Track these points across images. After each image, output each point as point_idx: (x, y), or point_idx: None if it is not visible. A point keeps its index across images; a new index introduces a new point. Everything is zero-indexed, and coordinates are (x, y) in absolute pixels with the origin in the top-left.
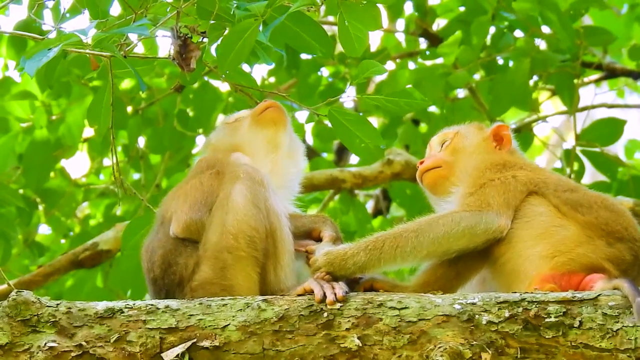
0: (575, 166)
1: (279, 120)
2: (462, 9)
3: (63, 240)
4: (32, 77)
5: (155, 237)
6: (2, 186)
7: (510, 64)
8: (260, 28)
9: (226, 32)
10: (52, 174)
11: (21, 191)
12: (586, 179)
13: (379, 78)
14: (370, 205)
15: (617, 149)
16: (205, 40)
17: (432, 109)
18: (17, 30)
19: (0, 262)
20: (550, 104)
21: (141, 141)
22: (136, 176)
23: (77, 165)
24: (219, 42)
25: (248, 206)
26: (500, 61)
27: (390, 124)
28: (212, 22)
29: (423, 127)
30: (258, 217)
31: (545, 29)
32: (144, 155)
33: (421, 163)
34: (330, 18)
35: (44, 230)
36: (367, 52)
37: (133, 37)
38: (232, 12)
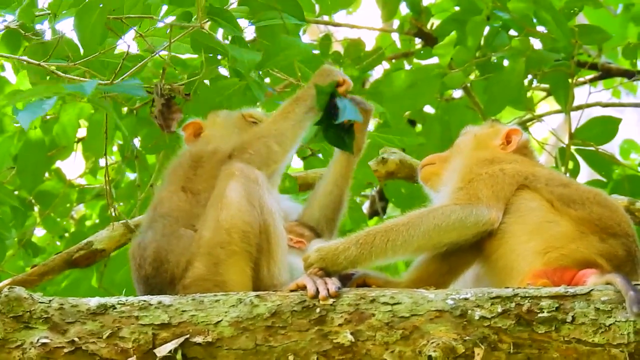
0: (570, 165)
1: None
2: (457, 8)
3: (59, 243)
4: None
5: (147, 234)
6: None
7: (505, 63)
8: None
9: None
10: (47, 175)
11: (16, 193)
12: (583, 178)
13: (374, 78)
14: (366, 207)
15: (613, 149)
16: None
17: (427, 109)
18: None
19: None
20: (548, 106)
21: (136, 141)
22: (131, 176)
23: (72, 165)
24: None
25: (242, 202)
26: (494, 60)
27: (385, 123)
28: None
29: (418, 127)
30: (252, 214)
31: (540, 28)
32: (139, 155)
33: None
34: (325, 17)
35: (39, 233)
36: (362, 51)
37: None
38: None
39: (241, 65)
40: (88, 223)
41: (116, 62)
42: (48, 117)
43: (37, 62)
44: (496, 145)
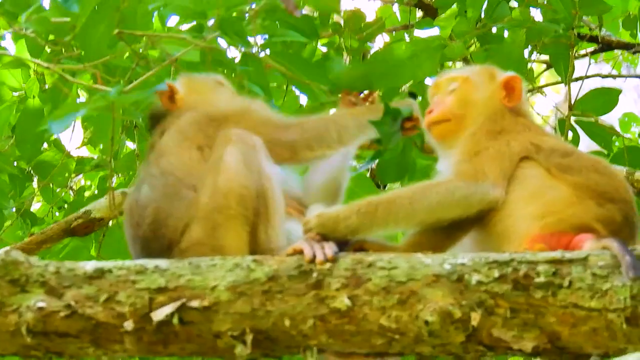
0: (570, 136)
1: None
2: None
3: (57, 214)
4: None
5: (144, 189)
6: None
7: (506, 34)
8: None
9: None
10: (45, 145)
11: (15, 164)
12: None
13: (374, 50)
14: None
15: (613, 123)
16: None
17: (428, 81)
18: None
19: None
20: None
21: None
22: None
23: (71, 135)
24: None
25: (239, 166)
26: (494, 30)
27: (385, 94)
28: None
29: (419, 99)
30: (249, 177)
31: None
32: (138, 125)
33: (430, 112)
34: None
35: (38, 205)
36: (363, 22)
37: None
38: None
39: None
40: (87, 194)
41: (127, 65)
42: (47, 86)
43: (47, 65)
44: (502, 98)
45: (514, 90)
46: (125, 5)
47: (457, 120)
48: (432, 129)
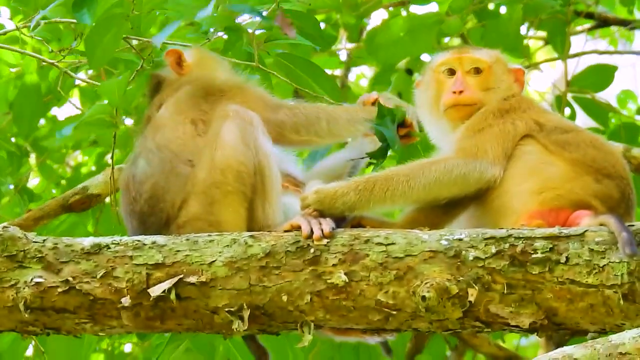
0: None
1: None
2: None
3: (54, 191)
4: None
5: (140, 164)
6: None
7: (503, 10)
8: None
9: None
10: (43, 122)
11: (13, 140)
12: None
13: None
14: None
15: (610, 99)
16: None
17: (425, 57)
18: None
19: None
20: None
21: None
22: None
23: (68, 112)
24: None
25: (237, 142)
26: (491, 6)
27: (382, 72)
28: None
29: (416, 76)
30: (247, 154)
31: None
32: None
33: (460, 92)
34: None
35: (35, 181)
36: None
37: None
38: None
39: None
40: (84, 170)
41: (133, 61)
42: (44, 63)
43: (52, 62)
44: (512, 83)
45: (518, 81)
46: (134, 14)
47: (480, 105)
48: (458, 110)
